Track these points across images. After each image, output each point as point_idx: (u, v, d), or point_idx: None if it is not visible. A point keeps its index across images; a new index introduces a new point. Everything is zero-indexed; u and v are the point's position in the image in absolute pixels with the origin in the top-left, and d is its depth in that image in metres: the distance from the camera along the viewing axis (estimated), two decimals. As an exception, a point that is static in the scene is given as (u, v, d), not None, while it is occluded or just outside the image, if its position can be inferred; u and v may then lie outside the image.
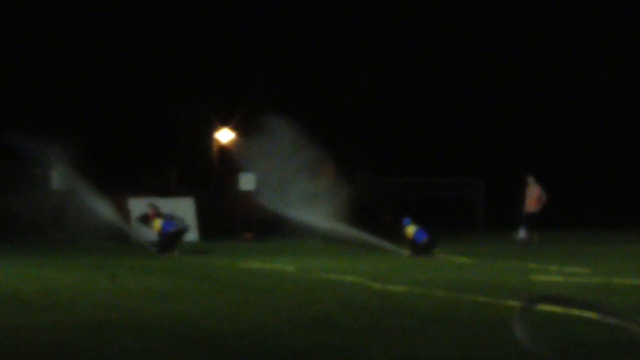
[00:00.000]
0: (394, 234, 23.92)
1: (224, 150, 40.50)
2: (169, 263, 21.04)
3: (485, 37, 46.25)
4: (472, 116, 46.36)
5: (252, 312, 12.32)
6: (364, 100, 45.17)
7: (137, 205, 28.27)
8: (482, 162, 44.45)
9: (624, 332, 8.11)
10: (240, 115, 39.39)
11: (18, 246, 25.95)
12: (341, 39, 45.58)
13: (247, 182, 30.62)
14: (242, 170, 30.72)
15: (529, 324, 7.16)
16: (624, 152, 46.24)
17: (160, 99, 41.71)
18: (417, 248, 22.58)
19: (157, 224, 23.83)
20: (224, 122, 40.90)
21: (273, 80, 43.53)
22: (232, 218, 32.11)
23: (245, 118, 37.29)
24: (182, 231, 24.08)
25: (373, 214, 34.87)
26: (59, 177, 28.77)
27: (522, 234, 28.30)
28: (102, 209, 26.86)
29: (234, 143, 39.32)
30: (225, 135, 41.05)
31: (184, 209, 29.43)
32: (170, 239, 23.56)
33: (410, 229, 22.85)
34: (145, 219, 24.76)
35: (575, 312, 10.76)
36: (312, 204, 26.01)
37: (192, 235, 28.16)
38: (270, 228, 29.01)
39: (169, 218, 24.22)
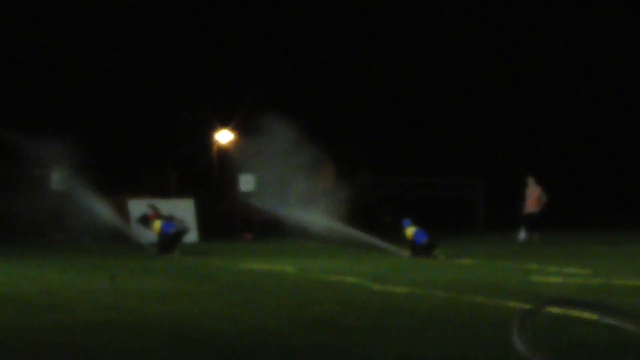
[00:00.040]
0: (394, 234, 23.90)
1: (223, 151, 40.49)
2: (168, 264, 21.04)
3: (485, 37, 46.24)
4: (472, 116, 46.35)
5: (252, 312, 12.32)
6: (363, 100, 45.17)
7: (137, 206, 28.26)
8: (482, 162, 44.44)
9: (626, 333, 8.11)
10: (239, 116, 39.38)
11: (18, 247, 25.96)
12: (340, 39, 45.58)
13: (246, 183, 30.61)
14: (241, 171, 30.72)
15: (528, 330, 7.16)
16: (624, 152, 46.24)
17: (160, 100, 41.70)
18: (417, 249, 22.56)
19: (157, 225, 23.83)
20: (224, 123, 40.89)
21: (272, 81, 43.52)
22: (231, 219, 32.10)
23: (245, 119, 37.28)
24: (181, 232, 24.08)
25: (373, 214, 34.86)
26: (58, 177, 28.78)
27: (522, 235, 28.31)
28: (102, 209, 26.86)
29: (234, 144, 39.30)
30: (224, 136, 41.04)
31: (183, 210, 29.44)
32: (170, 240, 23.55)
33: (410, 231, 22.83)
34: (145, 220, 24.76)
35: (578, 313, 10.75)
36: (311, 204, 25.99)
37: (192, 236, 28.16)
38: (269, 229, 29.01)
39: (168, 219, 24.22)
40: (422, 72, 45.93)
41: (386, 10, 45.85)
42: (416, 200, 37.83)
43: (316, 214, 25.77)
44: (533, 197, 28.73)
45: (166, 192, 34.65)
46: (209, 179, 40.82)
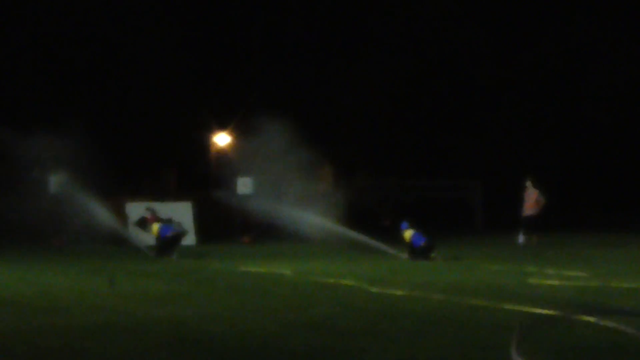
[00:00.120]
0: (393, 236, 23.89)
1: (221, 153, 40.46)
2: (167, 267, 21.03)
3: (485, 37, 46.24)
4: (471, 118, 46.36)
5: (250, 315, 12.32)
6: (362, 102, 45.16)
7: (135, 209, 28.25)
8: (481, 164, 44.44)
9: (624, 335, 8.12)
10: (237, 118, 39.37)
11: (16, 250, 25.94)
12: (339, 40, 45.59)
13: (244, 185, 30.59)
14: (239, 173, 30.69)
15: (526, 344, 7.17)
16: (624, 154, 46.23)
17: (158, 103, 41.68)
18: (415, 252, 22.56)
19: (155, 227, 23.82)
20: (222, 126, 40.87)
21: (271, 83, 43.52)
22: (229, 222, 32.06)
23: (243, 121, 37.27)
24: (180, 235, 24.05)
25: (371, 216, 34.84)
26: (56, 181, 28.75)
27: (521, 238, 28.33)
28: (100, 212, 26.84)
29: (232, 146, 39.28)
30: (222, 139, 41.02)
31: (182, 212, 29.42)
32: (168, 242, 23.54)
33: (408, 234, 22.82)
34: (144, 223, 24.75)
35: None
36: (310, 206, 25.96)
37: (190, 239, 28.13)
38: (266, 232, 28.98)
39: (167, 222, 24.21)
40: (421, 73, 45.94)
41: (385, 11, 45.87)
42: (415, 202, 37.83)
43: (314, 216, 25.75)
44: (531, 199, 28.74)
45: (164, 195, 34.60)
46: (207, 182, 40.78)
